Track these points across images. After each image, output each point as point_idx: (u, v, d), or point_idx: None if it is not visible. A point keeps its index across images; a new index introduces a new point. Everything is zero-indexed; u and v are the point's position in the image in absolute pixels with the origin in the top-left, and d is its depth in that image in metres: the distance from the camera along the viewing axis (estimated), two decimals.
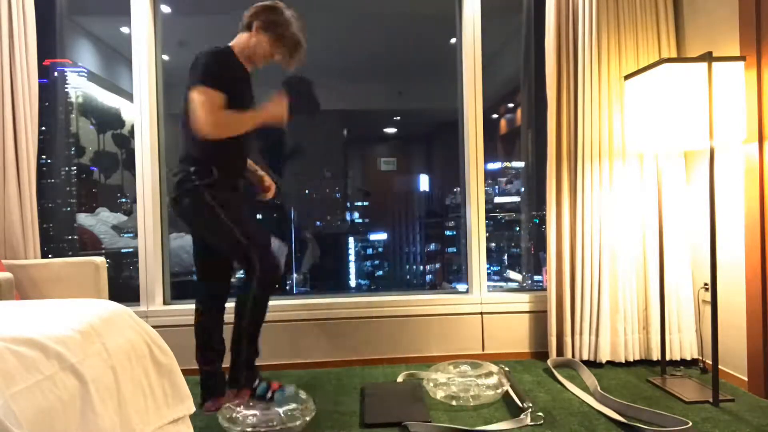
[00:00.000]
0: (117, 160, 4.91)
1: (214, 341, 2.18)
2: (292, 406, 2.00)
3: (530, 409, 2.02)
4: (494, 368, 2.33)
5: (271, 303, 2.74)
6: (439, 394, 2.21)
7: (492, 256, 4.31)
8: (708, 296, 2.51)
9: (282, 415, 1.95)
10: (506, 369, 2.47)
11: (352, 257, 5.35)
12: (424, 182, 5.31)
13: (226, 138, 1.99)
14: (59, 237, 3.11)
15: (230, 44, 2.15)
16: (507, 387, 2.23)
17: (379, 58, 5.15)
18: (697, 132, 2.08)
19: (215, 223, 2.02)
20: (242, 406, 1.98)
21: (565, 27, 2.64)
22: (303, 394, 2.10)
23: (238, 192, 2.19)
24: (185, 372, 1.71)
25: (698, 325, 2.60)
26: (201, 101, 1.91)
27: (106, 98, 4.80)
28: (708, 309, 2.52)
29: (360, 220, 5.83)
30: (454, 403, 2.16)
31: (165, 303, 2.81)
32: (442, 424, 1.96)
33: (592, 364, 2.60)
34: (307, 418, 1.98)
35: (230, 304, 2.16)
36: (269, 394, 2.05)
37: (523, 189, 3.51)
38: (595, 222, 2.59)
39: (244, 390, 2.08)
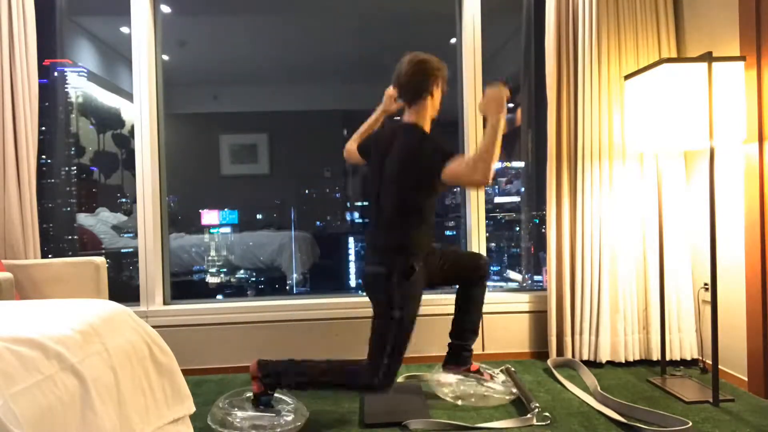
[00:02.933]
0: (117, 160, 4.92)
1: None
2: (283, 410, 2.00)
3: (537, 410, 2.02)
4: (504, 378, 2.35)
5: (271, 303, 2.77)
6: (445, 391, 2.21)
7: (492, 256, 4.30)
8: (708, 296, 2.51)
9: (273, 419, 1.94)
10: (512, 369, 2.47)
11: (352, 257, 5.35)
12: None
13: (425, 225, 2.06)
14: (59, 237, 3.11)
15: (413, 122, 2.08)
16: (516, 391, 2.23)
17: (379, 58, 5.15)
18: (697, 132, 2.08)
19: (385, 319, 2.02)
20: None
21: (565, 27, 2.64)
22: (293, 400, 2.10)
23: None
24: (185, 372, 1.71)
25: (698, 325, 2.60)
26: (457, 169, 1.85)
27: (106, 98, 4.80)
28: (708, 309, 2.52)
29: (360, 220, 5.83)
30: (459, 402, 2.16)
31: (165, 303, 2.81)
32: (444, 420, 1.96)
33: (592, 364, 2.60)
34: (299, 423, 1.97)
35: None
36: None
37: (523, 189, 3.51)
38: (595, 222, 2.59)
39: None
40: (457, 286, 2.30)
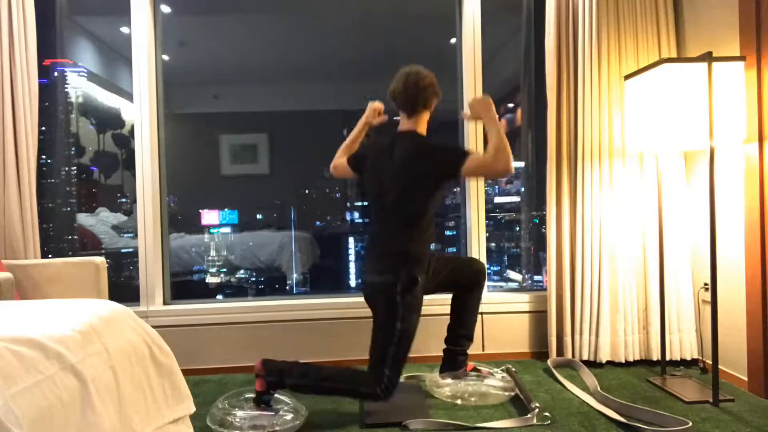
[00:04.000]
0: (117, 160, 4.92)
1: None
2: (282, 410, 2.01)
3: (537, 410, 2.02)
4: (503, 374, 2.38)
5: (271, 303, 2.77)
6: (444, 392, 2.21)
7: (492, 256, 4.30)
8: (708, 296, 2.51)
9: (272, 418, 1.95)
10: (513, 369, 2.47)
11: (352, 257, 5.35)
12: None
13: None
14: (59, 237, 3.11)
15: (413, 129, 2.13)
16: (515, 392, 2.24)
17: (379, 58, 5.15)
18: (697, 132, 2.08)
19: (389, 328, 2.02)
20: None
21: (565, 27, 2.64)
22: (292, 400, 2.10)
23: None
24: (185, 372, 1.71)
25: (698, 325, 2.60)
26: (479, 160, 1.94)
27: (106, 98, 4.80)
28: (708, 309, 2.52)
29: (360, 220, 5.83)
30: (459, 402, 2.17)
31: (165, 303, 2.81)
32: (444, 420, 1.96)
33: (592, 364, 2.60)
34: (298, 422, 1.97)
35: None
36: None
37: (523, 189, 3.51)
38: (595, 222, 2.59)
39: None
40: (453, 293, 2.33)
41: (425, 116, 2.15)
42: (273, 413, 1.99)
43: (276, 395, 2.07)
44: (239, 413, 1.98)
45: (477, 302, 2.32)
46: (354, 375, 2.03)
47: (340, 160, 2.40)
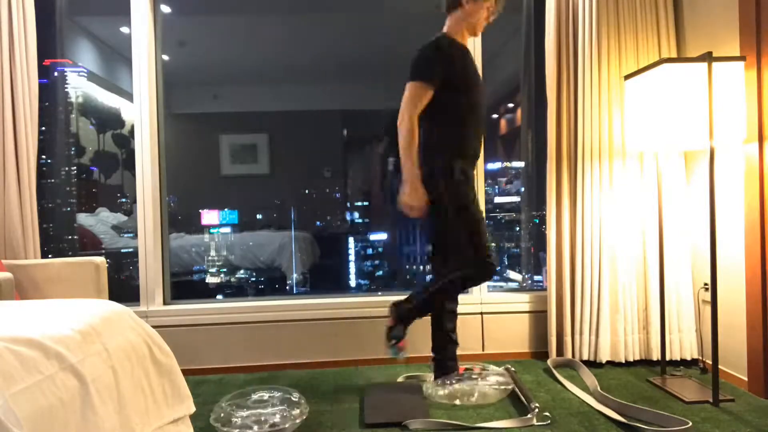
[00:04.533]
0: (117, 160, 4.92)
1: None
2: (284, 407, 2.02)
3: (537, 410, 2.02)
4: (498, 369, 2.37)
5: (271, 303, 2.77)
6: (441, 394, 2.20)
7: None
8: (708, 296, 2.51)
9: (276, 415, 1.96)
10: (512, 369, 2.47)
11: (352, 257, 5.35)
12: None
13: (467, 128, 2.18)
14: (59, 237, 3.11)
15: (444, 31, 2.23)
16: (512, 386, 2.24)
17: (379, 58, 5.16)
18: (697, 132, 2.08)
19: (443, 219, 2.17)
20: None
21: (565, 27, 2.64)
22: (296, 396, 2.11)
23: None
24: (185, 372, 1.71)
25: (698, 325, 2.60)
26: (406, 97, 2.11)
27: (106, 98, 4.81)
28: (708, 309, 2.53)
29: (360, 220, 5.83)
30: (457, 402, 2.16)
31: (165, 303, 2.81)
32: (444, 420, 1.96)
33: (592, 364, 2.60)
34: (297, 421, 1.97)
35: None
36: None
37: (523, 189, 3.51)
38: (595, 222, 2.59)
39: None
40: None
41: (455, 16, 2.22)
42: (274, 413, 2.01)
43: (276, 393, 2.11)
44: (242, 413, 1.99)
45: (453, 304, 2.33)
46: (455, 276, 2.15)
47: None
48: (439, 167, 2.13)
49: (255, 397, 2.11)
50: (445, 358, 2.29)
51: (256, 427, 1.90)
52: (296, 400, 2.09)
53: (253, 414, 1.97)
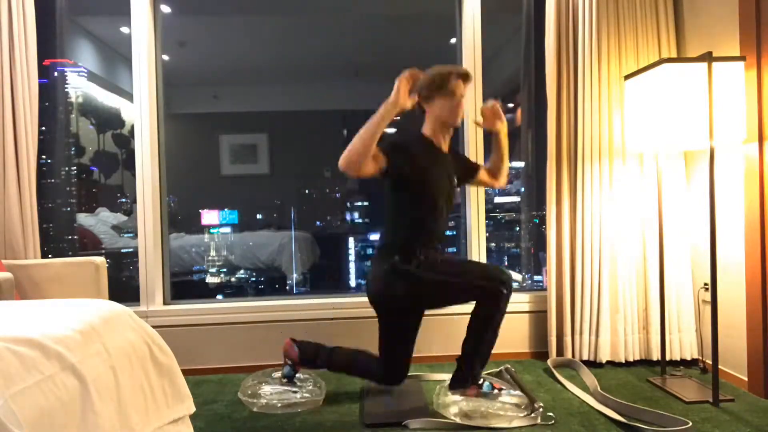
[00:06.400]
0: (117, 160, 4.92)
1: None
2: (310, 387, 2.27)
3: (541, 409, 2.01)
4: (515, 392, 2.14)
5: (271, 303, 2.77)
6: (451, 411, 2.00)
7: (492, 256, 4.30)
8: (708, 296, 2.51)
9: (298, 394, 2.20)
10: (512, 368, 2.47)
11: (352, 257, 5.35)
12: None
13: (427, 218, 2.10)
14: (59, 237, 3.11)
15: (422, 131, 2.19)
16: (539, 408, 2.05)
17: (379, 58, 5.15)
18: (697, 132, 2.08)
19: (429, 287, 2.06)
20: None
21: (565, 27, 2.64)
22: (320, 382, 2.32)
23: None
24: (185, 372, 1.71)
25: (698, 325, 2.60)
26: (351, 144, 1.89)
27: (106, 98, 4.81)
28: (708, 309, 2.52)
29: (360, 220, 5.83)
30: (469, 422, 1.95)
31: (165, 303, 2.81)
32: (444, 419, 1.96)
33: (592, 364, 2.60)
34: (319, 398, 2.21)
35: None
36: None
37: (523, 189, 3.51)
38: (595, 222, 2.59)
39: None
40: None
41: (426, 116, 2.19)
42: (296, 389, 2.24)
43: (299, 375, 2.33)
44: (268, 387, 2.23)
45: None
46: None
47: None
48: (400, 262, 2.05)
49: (276, 375, 2.33)
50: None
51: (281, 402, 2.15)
52: (313, 380, 2.31)
53: (277, 389, 2.22)
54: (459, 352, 2.10)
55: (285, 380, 2.27)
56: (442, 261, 2.11)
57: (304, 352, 2.28)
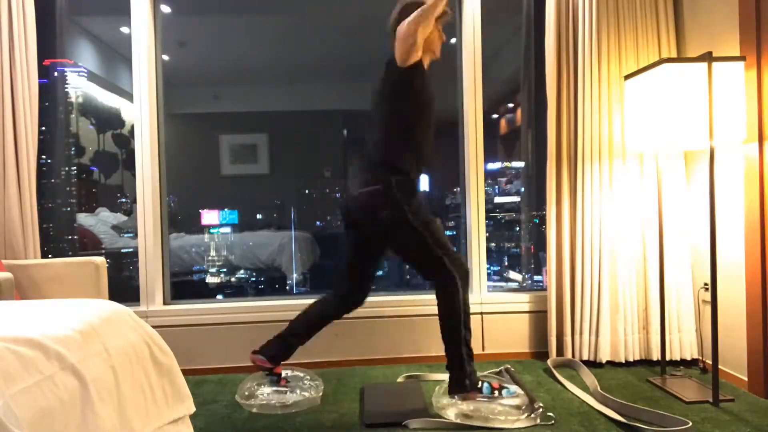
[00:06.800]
0: (117, 160, 4.92)
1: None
2: (306, 385, 2.28)
3: (541, 409, 2.01)
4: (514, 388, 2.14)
5: (271, 303, 2.77)
6: (449, 412, 2.01)
7: (492, 256, 4.31)
8: (708, 296, 2.51)
9: (296, 395, 2.20)
10: (512, 368, 2.47)
11: None
12: (424, 182, 5.31)
13: (422, 137, 2.12)
14: (59, 237, 3.11)
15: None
16: (527, 400, 2.07)
17: (379, 58, 5.15)
18: (697, 132, 2.08)
19: (414, 242, 2.08)
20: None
21: (565, 27, 2.64)
22: (317, 380, 2.32)
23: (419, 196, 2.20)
24: (185, 372, 1.71)
25: (698, 325, 2.60)
26: (407, 23, 1.99)
27: (106, 98, 4.80)
28: (708, 309, 2.52)
29: None
30: (468, 422, 1.96)
31: (165, 303, 2.81)
32: (444, 419, 1.96)
33: (592, 364, 2.60)
34: (317, 396, 2.22)
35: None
36: None
37: (523, 189, 3.51)
38: (595, 222, 2.59)
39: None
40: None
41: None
42: (292, 390, 2.24)
43: (299, 373, 2.36)
44: (265, 389, 2.24)
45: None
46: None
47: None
48: (400, 182, 2.07)
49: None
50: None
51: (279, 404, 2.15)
52: (317, 383, 2.31)
53: (274, 390, 2.22)
54: None
55: (279, 384, 2.26)
56: (426, 221, 2.09)
57: (269, 351, 2.21)
